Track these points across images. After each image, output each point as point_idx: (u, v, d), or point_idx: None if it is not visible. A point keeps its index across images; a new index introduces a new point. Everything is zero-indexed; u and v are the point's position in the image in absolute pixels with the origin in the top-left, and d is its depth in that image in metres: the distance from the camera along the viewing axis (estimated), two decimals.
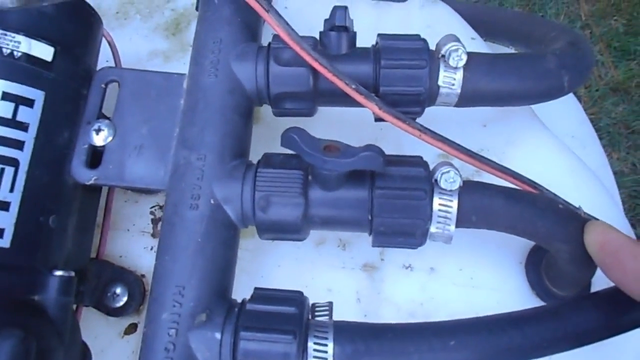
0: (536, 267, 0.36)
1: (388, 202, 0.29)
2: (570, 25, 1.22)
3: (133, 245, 0.41)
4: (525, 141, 0.41)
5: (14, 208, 0.29)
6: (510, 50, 0.57)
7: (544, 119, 0.44)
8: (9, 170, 0.29)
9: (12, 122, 0.30)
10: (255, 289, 0.30)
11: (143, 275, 0.40)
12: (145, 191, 0.41)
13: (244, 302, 0.29)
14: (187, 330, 0.28)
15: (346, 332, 0.28)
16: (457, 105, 0.34)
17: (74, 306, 0.35)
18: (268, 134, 0.40)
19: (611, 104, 1.15)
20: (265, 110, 0.41)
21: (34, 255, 0.30)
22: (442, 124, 0.38)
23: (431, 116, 0.36)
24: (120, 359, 0.39)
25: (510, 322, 0.29)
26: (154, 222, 0.41)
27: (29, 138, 0.30)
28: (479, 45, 0.46)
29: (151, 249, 0.41)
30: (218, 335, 0.27)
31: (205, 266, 0.29)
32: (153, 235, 0.41)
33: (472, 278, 0.37)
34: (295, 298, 0.29)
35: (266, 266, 0.38)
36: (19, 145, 0.30)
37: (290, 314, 0.28)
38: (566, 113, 0.55)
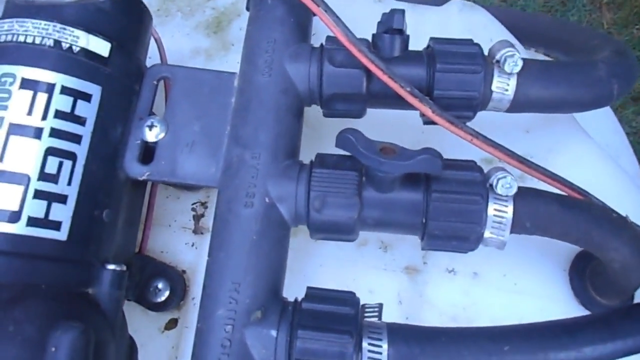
0: (581, 275, 0.36)
1: (444, 206, 0.29)
2: None
3: (175, 241, 0.41)
4: (567, 148, 0.41)
5: (71, 201, 0.30)
6: (543, 57, 0.57)
7: None
8: (67, 164, 0.30)
9: (71, 116, 0.30)
10: (308, 288, 0.30)
11: (184, 271, 0.40)
12: (188, 188, 0.41)
13: (297, 301, 0.30)
14: (243, 327, 0.28)
15: (400, 333, 0.28)
16: (508, 111, 0.34)
17: None
18: (314, 136, 0.40)
19: (632, 113, 1.14)
20: (308, 111, 0.41)
21: (89, 248, 0.30)
22: (487, 129, 0.38)
23: (476, 121, 0.36)
24: (160, 354, 0.39)
25: (563, 329, 0.29)
26: (196, 218, 0.42)
27: (86, 132, 0.31)
28: (522, 51, 0.46)
29: (192, 245, 0.41)
30: (274, 333, 0.28)
31: (261, 264, 0.29)
32: (194, 232, 0.41)
33: (515, 284, 0.37)
34: (349, 298, 0.29)
35: (309, 266, 0.38)
36: (76, 139, 0.30)
37: (346, 314, 0.28)
38: (602, 122, 0.55)
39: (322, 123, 0.40)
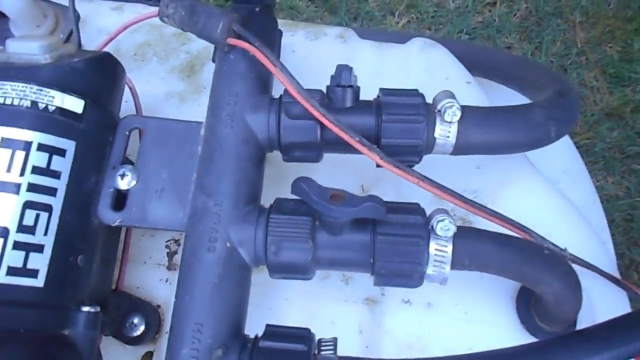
0: (526, 303, 0.39)
1: (388, 248, 0.32)
2: (566, 51, 1.26)
3: (150, 277, 0.43)
4: (516, 183, 0.44)
5: (48, 250, 0.32)
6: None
7: (536, 154, 0.47)
8: (43, 216, 0.32)
9: (47, 171, 0.33)
10: (267, 325, 0.32)
11: (159, 306, 0.43)
12: None
13: (256, 338, 0.32)
14: None
15: None
16: (452, 154, 0.37)
17: None
18: (277, 174, 0.43)
19: (606, 129, 1.18)
20: (275, 152, 0.44)
21: (65, 293, 0.33)
22: (439, 166, 0.41)
23: (428, 159, 0.39)
24: None
25: (502, 358, 0.31)
26: (169, 255, 0.44)
27: (61, 185, 0.33)
28: (474, 89, 0.50)
29: (167, 280, 0.43)
30: None
31: (222, 305, 0.32)
32: (168, 268, 0.44)
33: (466, 313, 0.39)
34: (304, 335, 0.32)
35: (274, 300, 0.41)
36: (52, 192, 0.33)
37: (299, 351, 0.30)
38: (558, 149, 0.58)
39: (286, 163, 0.43)
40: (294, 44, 0.53)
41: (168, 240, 0.45)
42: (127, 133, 0.38)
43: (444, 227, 0.32)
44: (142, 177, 0.37)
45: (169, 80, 0.50)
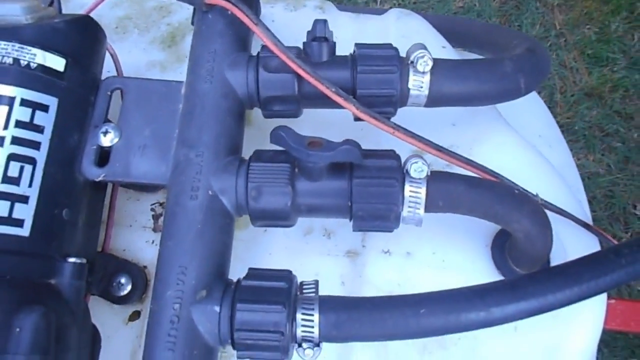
0: (501, 250, 0.40)
1: (365, 190, 0.33)
2: (545, 34, 1.28)
3: (135, 239, 0.44)
4: (490, 139, 0.45)
5: (32, 201, 0.33)
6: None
7: (512, 120, 0.49)
8: (27, 168, 0.33)
9: (30, 125, 0.34)
10: (249, 268, 0.34)
11: (145, 267, 0.44)
12: (147, 189, 0.45)
13: (239, 280, 0.33)
14: (190, 305, 0.31)
15: (330, 304, 0.32)
16: (426, 106, 0.39)
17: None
18: (259, 135, 0.44)
19: (586, 108, 1.20)
20: (256, 113, 0.45)
21: (50, 243, 0.34)
22: (416, 123, 0.43)
23: (406, 116, 0.40)
24: (125, 344, 0.42)
25: (474, 292, 0.33)
26: (155, 217, 0.45)
27: (44, 139, 0.34)
28: (449, 53, 0.51)
29: (152, 242, 0.44)
30: (217, 309, 0.31)
31: (205, 249, 0.33)
32: (154, 230, 0.45)
33: (443, 260, 0.41)
34: (285, 275, 0.33)
35: (258, 254, 0.42)
36: (35, 145, 0.34)
37: (280, 288, 0.32)
38: (534, 115, 0.60)
39: (268, 124, 0.44)
40: (273, 14, 0.54)
41: (153, 204, 0.45)
42: (108, 93, 0.39)
43: (418, 169, 0.33)
44: (125, 135, 0.37)
45: (150, 51, 0.51)
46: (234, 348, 0.32)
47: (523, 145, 0.45)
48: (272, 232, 0.43)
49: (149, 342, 0.31)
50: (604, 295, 0.40)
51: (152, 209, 0.45)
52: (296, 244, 0.42)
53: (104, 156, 0.37)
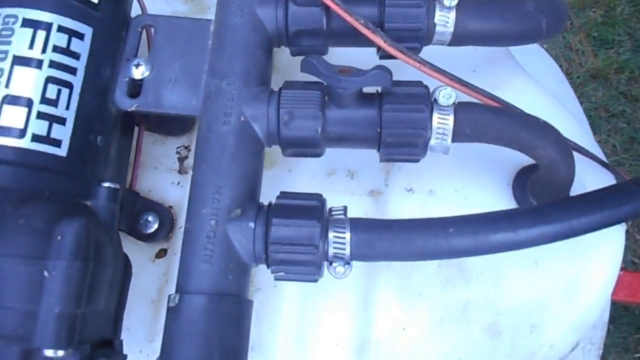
0: (522, 187, 0.41)
1: (395, 116, 0.34)
2: None
3: (161, 181, 0.45)
4: (510, 85, 0.46)
5: (69, 124, 0.34)
6: None
7: None
8: (64, 91, 0.34)
9: (67, 51, 0.34)
10: (281, 192, 0.34)
11: (171, 207, 0.44)
12: (172, 132, 0.46)
13: (270, 203, 0.34)
14: (225, 222, 0.32)
15: (361, 223, 0.33)
16: (450, 44, 0.39)
17: None
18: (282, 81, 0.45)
19: (592, 90, 1.21)
20: (281, 58, 0.46)
21: (85, 166, 0.34)
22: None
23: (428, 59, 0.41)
24: (152, 280, 0.43)
25: (502, 216, 0.34)
26: (180, 160, 0.46)
27: (80, 66, 0.35)
28: None
29: (178, 183, 0.45)
30: (252, 225, 0.32)
31: (238, 170, 0.34)
32: (179, 172, 0.45)
33: (466, 198, 0.41)
34: (316, 197, 0.34)
35: None
36: (72, 71, 0.35)
37: (313, 206, 0.32)
38: (545, 73, 0.61)
39: (290, 69, 0.45)
40: None
41: (179, 147, 0.46)
42: (139, 29, 0.39)
43: (446, 95, 0.34)
44: (156, 68, 0.38)
45: (173, 3, 0.52)
46: (267, 265, 0.33)
47: (541, 91, 0.46)
48: (296, 172, 0.44)
49: (185, 257, 0.32)
50: (622, 229, 0.41)
51: (178, 152, 0.46)
52: (320, 184, 0.43)
53: (135, 89, 0.38)
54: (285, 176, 0.43)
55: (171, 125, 0.46)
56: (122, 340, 0.35)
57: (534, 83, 0.47)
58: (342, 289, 0.42)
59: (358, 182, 0.43)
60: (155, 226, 0.43)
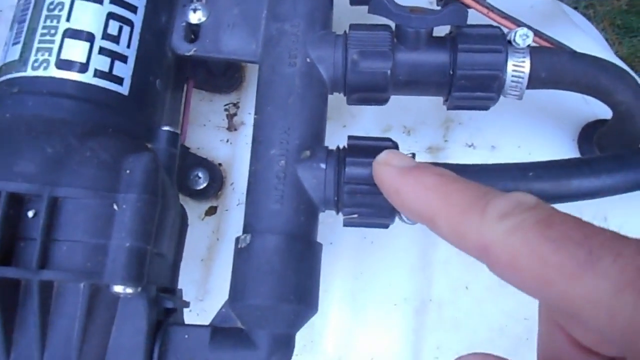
0: (589, 142, 0.39)
1: (470, 56, 0.33)
2: (575, 4, 1.28)
3: (210, 138, 0.44)
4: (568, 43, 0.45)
5: (131, 62, 0.32)
6: None
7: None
8: (126, 29, 0.33)
9: None
10: (349, 135, 0.33)
11: (220, 164, 0.43)
12: (220, 89, 0.44)
13: (338, 146, 0.33)
14: (295, 162, 0.31)
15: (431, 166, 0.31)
16: None
17: None
18: None
19: None
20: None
21: (146, 108, 0.33)
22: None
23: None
24: (201, 239, 0.42)
25: (583, 161, 0.32)
26: (229, 117, 0.45)
27: (140, 4, 0.34)
28: None
29: (227, 141, 0.44)
30: (323, 165, 0.31)
31: (306, 111, 0.32)
32: (228, 129, 0.44)
33: (530, 153, 0.40)
34: (388, 139, 0.32)
35: None
36: (133, 9, 0.33)
37: (388, 147, 0.31)
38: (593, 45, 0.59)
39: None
40: None
41: (226, 104, 0.45)
42: None
43: (523, 36, 0.33)
44: (213, 14, 0.37)
45: None
46: (337, 210, 0.31)
47: (601, 48, 0.45)
48: (351, 127, 0.42)
49: (254, 198, 0.31)
50: None
51: (226, 109, 0.45)
52: None
53: (193, 34, 0.37)
54: (340, 131, 0.42)
55: (220, 81, 0.44)
56: (181, 290, 0.34)
57: (593, 41, 0.45)
58: (400, 248, 0.40)
59: (415, 138, 0.42)
60: (206, 183, 0.42)
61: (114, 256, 0.26)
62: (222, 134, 0.44)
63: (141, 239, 0.27)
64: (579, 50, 0.44)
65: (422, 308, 0.39)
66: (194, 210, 0.42)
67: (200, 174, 0.42)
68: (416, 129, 0.42)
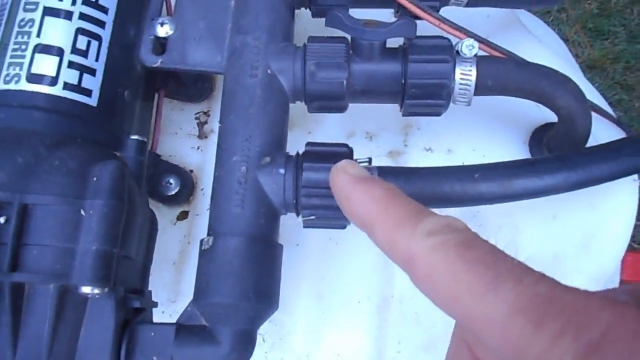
0: (538, 144, 0.42)
1: (420, 66, 0.35)
2: (548, 9, 1.31)
3: (181, 145, 0.45)
4: (523, 50, 0.47)
5: (99, 75, 0.34)
6: None
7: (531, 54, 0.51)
8: (94, 43, 0.34)
9: (95, 5, 0.35)
10: (308, 142, 0.35)
11: (191, 171, 0.45)
12: (191, 98, 0.46)
13: (298, 152, 0.34)
14: (256, 168, 0.33)
15: (388, 170, 0.34)
16: (467, 5, 0.40)
17: None
18: None
19: (589, 80, 1.23)
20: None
21: (114, 118, 0.35)
22: None
23: None
24: (173, 243, 0.43)
25: (526, 162, 0.35)
26: (200, 125, 0.46)
27: (109, 20, 0.35)
28: None
29: (198, 148, 0.45)
30: (282, 171, 0.32)
31: (267, 120, 0.34)
32: (199, 137, 0.46)
33: (483, 156, 0.42)
34: (344, 145, 0.34)
35: None
36: (101, 24, 0.35)
37: (343, 152, 0.33)
38: (554, 50, 0.62)
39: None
40: None
41: (197, 113, 0.47)
42: None
43: (469, 46, 0.35)
44: (180, 27, 0.39)
45: None
46: (297, 212, 0.33)
47: (552, 55, 0.47)
48: (316, 134, 0.44)
49: (217, 203, 0.33)
50: (636, 185, 0.41)
51: (197, 117, 0.47)
52: None
53: (160, 47, 0.39)
54: (305, 138, 0.44)
55: (190, 91, 0.46)
56: (150, 291, 0.35)
57: (546, 48, 0.48)
58: (363, 249, 0.42)
59: (377, 143, 0.44)
60: (177, 189, 0.43)
61: (82, 259, 0.28)
62: (193, 142, 0.45)
63: (107, 242, 0.29)
64: (531, 54, 0.47)
65: (384, 305, 0.41)
66: (166, 215, 0.44)
67: (171, 181, 0.43)
68: (378, 135, 0.44)
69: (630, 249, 1.09)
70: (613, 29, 1.26)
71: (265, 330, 0.41)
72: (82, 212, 0.29)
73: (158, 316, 0.42)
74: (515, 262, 0.19)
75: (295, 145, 0.44)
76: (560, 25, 1.29)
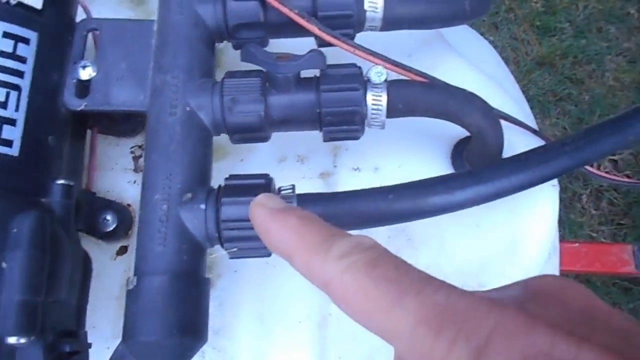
0: (459, 158, 0.44)
1: (331, 95, 0.36)
2: (496, 10, 1.35)
3: (118, 180, 0.46)
4: (444, 65, 0.49)
5: (20, 124, 0.35)
6: None
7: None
8: (13, 94, 0.35)
9: (13, 56, 0.36)
10: (229, 175, 0.36)
11: (129, 205, 0.46)
12: (125, 133, 0.47)
13: (220, 185, 0.36)
14: (177, 205, 0.34)
15: (307, 197, 0.35)
16: (382, 29, 0.42)
17: None
18: None
19: (539, 76, 1.27)
20: (225, 55, 0.48)
21: (38, 165, 0.36)
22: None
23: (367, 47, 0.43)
24: (114, 278, 0.44)
25: (438, 180, 0.36)
26: (135, 159, 0.47)
27: (27, 69, 0.36)
28: None
29: (134, 182, 0.46)
30: (203, 206, 0.34)
31: (187, 156, 0.35)
32: (135, 171, 0.47)
33: (410, 172, 0.44)
34: (264, 176, 0.36)
35: None
36: (20, 74, 0.36)
37: (261, 184, 0.34)
38: (484, 57, 0.64)
39: (237, 65, 0.47)
40: None
41: (132, 147, 0.48)
42: (84, 33, 0.41)
43: (378, 73, 0.37)
44: (102, 69, 0.40)
45: (120, 10, 0.53)
46: (221, 243, 0.34)
47: (473, 70, 0.49)
48: (248, 161, 0.46)
49: (141, 242, 0.34)
50: (556, 190, 0.44)
51: (132, 152, 0.47)
52: (272, 171, 0.44)
53: (84, 90, 0.39)
54: (238, 165, 0.45)
55: (123, 126, 0.47)
56: (86, 332, 0.36)
57: (467, 63, 0.50)
58: None
59: (308, 166, 0.45)
60: (115, 224, 0.44)
61: (5, 311, 0.29)
62: (130, 176, 0.46)
63: (29, 292, 0.29)
64: (453, 68, 0.49)
65: (323, 323, 0.42)
66: (106, 251, 0.44)
67: (108, 217, 0.44)
68: (309, 157, 0.46)
69: (588, 238, 1.13)
70: (559, 25, 1.30)
71: (209, 357, 0.42)
72: (4, 264, 0.30)
73: (103, 352, 0.43)
74: (416, 274, 0.20)
75: (229, 172, 0.45)
76: (509, 25, 1.32)
